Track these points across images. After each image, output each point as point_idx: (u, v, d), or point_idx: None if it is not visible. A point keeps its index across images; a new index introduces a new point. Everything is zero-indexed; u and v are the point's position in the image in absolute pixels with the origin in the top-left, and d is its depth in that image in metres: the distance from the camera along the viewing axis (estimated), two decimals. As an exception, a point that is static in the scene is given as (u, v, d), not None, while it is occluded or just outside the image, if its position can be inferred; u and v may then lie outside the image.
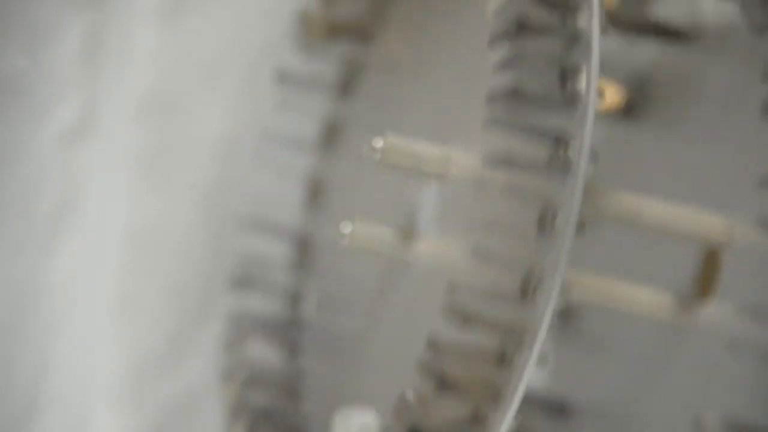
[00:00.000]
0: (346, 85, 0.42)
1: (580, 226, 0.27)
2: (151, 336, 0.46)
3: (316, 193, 0.42)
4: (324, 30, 0.41)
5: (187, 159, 0.47)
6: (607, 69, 0.31)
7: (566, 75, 0.27)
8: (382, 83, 0.39)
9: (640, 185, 0.35)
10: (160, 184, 0.47)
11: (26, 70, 0.44)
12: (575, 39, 0.27)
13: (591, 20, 0.27)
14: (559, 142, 0.27)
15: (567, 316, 0.36)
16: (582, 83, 0.27)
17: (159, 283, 0.47)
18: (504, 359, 0.27)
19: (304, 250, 0.42)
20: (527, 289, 0.27)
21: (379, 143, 0.29)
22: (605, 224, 0.32)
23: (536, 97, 0.27)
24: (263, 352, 0.41)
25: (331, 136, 0.42)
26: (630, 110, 0.36)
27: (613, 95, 0.36)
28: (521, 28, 0.27)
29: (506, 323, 0.27)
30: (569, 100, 0.27)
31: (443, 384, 0.27)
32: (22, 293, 0.45)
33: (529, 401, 0.28)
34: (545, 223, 0.27)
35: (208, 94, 0.47)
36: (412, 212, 0.34)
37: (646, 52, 0.36)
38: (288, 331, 0.41)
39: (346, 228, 0.31)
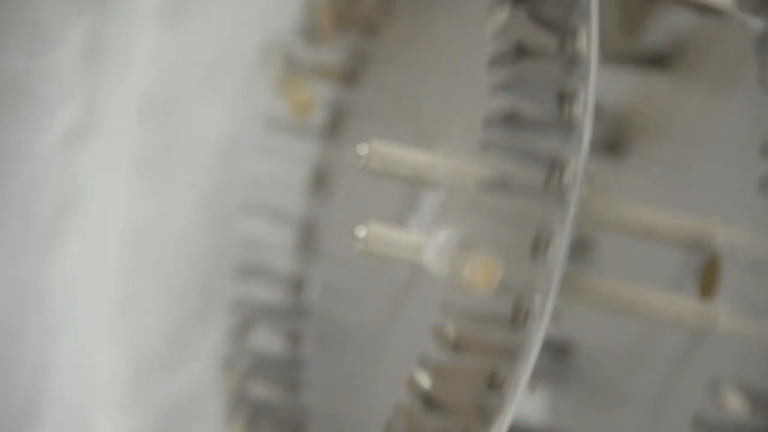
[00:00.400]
0: (352, 73, 0.42)
1: (579, 250, 0.27)
2: (152, 336, 0.46)
3: (320, 179, 0.42)
4: (333, 22, 0.41)
5: (188, 159, 0.46)
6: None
7: (564, 99, 0.27)
8: (387, 73, 0.39)
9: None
10: (160, 184, 0.47)
11: (27, 70, 0.44)
12: (574, 62, 0.27)
13: (590, 43, 0.27)
14: (555, 166, 0.27)
15: (563, 354, 0.36)
16: (579, 107, 0.27)
17: (159, 283, 0.47)
18: (495, 382, 0.27)
19: (308, 237, 0.42)
20: (519, 313, 0.27)
21: (363, 149, 0.29)
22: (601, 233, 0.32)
23: (533, 121, 0.27)
24: (265, 342, 0.41)
25: (336, 123, 0.42)
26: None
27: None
28: (520, 51, 0.27)
29: (498, 346, 0.27)
30: (566, 124, 0.27)
31: (432, 404, 0.27)
32: (22, 293, 0.45)
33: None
34: (539, 248, 0.27)
35: (208, 95, 0.46)
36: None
37: (626, 86, 0.36)
38: (291, 319, 0.41)
39: (361, 232, 0.31)
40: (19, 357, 0.45)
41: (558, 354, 0.36)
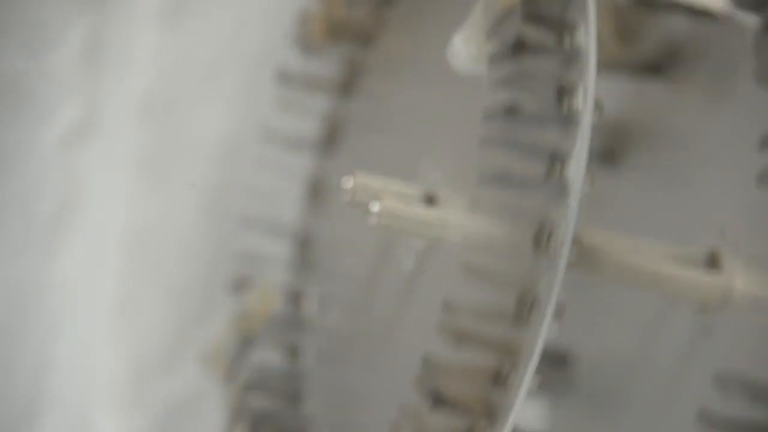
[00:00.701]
0: (347, 85, 0.42)
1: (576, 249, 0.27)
2: (152, 336, 0.46)
3: (316, 191, 0.42)
4: (325, 31, 0.41)
5: (188, 159, 0.47)
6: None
7: (563, 93, 0.27)
8: (382, 84, 0.39)
9: (662, 143, 0.35)
10: (160, 184, 0.47)
11: (27, 71, 0.44)
12: (572, 57, 0.27)
13: (588, 38, 0.27)
14: (555, 160, 0.27)
15: (563, 363, 0.36)
16: (579, 101, 0.27)
17: (159, 283, 0.47)
18: (500, 378, 0.27)
19: (306, 249, 0.42)
20: (523, 308, 0.27)
21: (348, 183, 0.29)
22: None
23: (533, 116, 0.27)
24: (265, 353, 0.41)
25: (331, 135, 0.42)
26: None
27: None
28: (518, 47, 0.27)
29: (502, 342, 0.27)
30: (566, 118, 0.27)
31: (439, 401, 0.27)
32: (22, 293, 0.45)
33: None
34: (541, 241, 0.27)
35: (208, 95, 0.47)
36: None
37: (622, 94, 0.36)
38: (289, 331, 0.41)
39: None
40: (19, 357, 0.45)
41: (558, 363, 0.36)
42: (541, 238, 0.27)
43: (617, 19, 0.34)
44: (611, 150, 0.37)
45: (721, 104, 0.33)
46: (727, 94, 0.33)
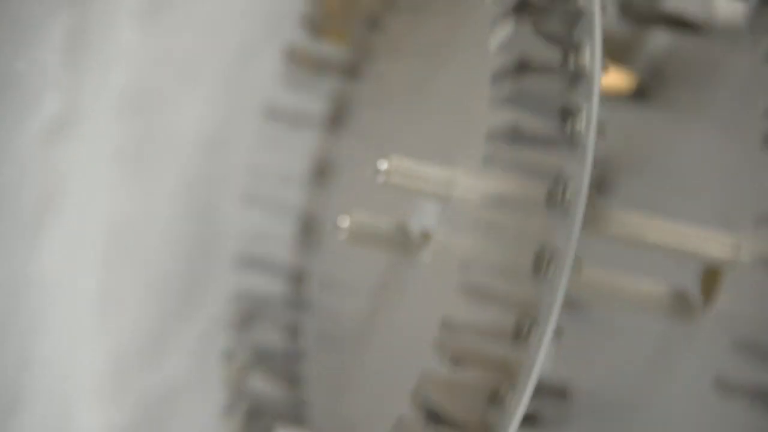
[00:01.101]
0: (355, 67, 0.42)
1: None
2: (134, 330, 0.46)
3: (321, 171, 0.42)
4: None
5: (169, 155, 0.46)
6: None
7: (567, 114, 0.27)
8: (390, 66, 0.39)
9: (650, 171, 0.35)
10: (141, 180, 0.46)
11: (8, 66, 0.44)
12: (577, 77, 0.27)
13: (593, 58, 0.27)
14: (558, 181, 0.27)
15: (562, 396, 0.36)
16: (582, 123, 0.27)
17: (141, 278, 0.47)
18: (496, 398, 0.27)
19: (308, 232, 0.42)
20: (522, 329, 0.27)
21: (383, 165, 0.29)
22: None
23: (536, 136, 0.27)
24: (265, 335, 0.41)
25: (338, 115, 0.42)
26: (642, 94, 0.36)
27: (624, 79, 0.36)
28: (523, 66, 0.28)
29: (500, 362, 0.27)
30: (569, 139, 0.27)
31: (434, 418, 0.28)
32: (4, 289, 0.45)
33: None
34: (542, 262, 0.27)
35: (188, 90, 0.46)
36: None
37: (658, 39, 0.36)
38: (290, 314, 0.41)
39: (344, 222, 0.31)
40: (1, 352, 0.45)
41: (557, 396, 0.36)
42: (542, 261, 0.27)
43: (609, 44, 0.34)
44: (643, 88, 0.37)
45: (703, 120, 0.33)
46: (708, 109, 0.33)
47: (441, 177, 0.30)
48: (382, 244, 0.33)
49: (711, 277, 0.32)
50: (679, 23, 0.35)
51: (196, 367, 0.44)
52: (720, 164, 0.32)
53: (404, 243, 0.33)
